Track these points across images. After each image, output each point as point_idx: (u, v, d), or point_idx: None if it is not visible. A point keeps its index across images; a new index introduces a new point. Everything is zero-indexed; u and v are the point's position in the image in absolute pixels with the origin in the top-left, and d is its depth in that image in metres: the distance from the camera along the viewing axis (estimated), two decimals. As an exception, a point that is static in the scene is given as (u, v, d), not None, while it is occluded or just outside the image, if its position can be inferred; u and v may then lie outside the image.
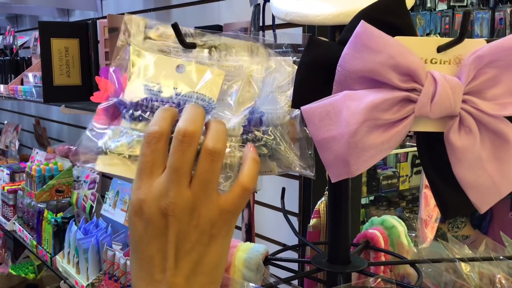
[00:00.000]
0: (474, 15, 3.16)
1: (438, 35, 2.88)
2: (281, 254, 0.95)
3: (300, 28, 1.47)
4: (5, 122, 4.11)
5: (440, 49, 0.54)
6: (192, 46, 0.57)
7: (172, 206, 0.48)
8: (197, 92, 0.55)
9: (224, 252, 0.52)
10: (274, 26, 1.27)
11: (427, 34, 3.10)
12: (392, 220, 1.00)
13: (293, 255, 1.37)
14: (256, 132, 0.57)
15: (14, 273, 3.18)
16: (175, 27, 0.56)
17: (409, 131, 0.57)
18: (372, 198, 3.13)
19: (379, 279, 0.73)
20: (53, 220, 2.18)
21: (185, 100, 0.56)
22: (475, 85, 0.54)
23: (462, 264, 0.79)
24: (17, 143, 3.68)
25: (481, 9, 3.23)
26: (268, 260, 0.90)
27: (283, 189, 1.15)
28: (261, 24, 1.39)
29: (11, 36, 3.06)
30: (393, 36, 0.54)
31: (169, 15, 2.31)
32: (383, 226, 0.99)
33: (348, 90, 0.55)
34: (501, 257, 0.86)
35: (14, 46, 3.05)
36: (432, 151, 0.58)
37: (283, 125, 0.64)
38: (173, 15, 2.28)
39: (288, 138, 0.64)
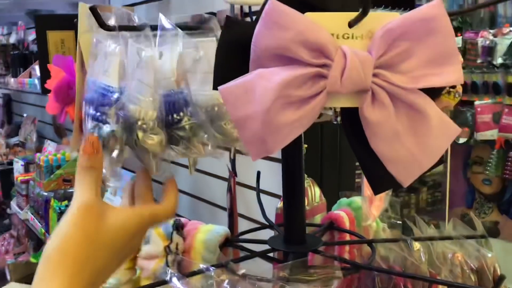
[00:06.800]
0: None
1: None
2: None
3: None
4: (25, 115, 4.21)
5: (350, 24, 0.53)
6: (112, 29, 0.58)
7: None
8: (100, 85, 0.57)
9: None
10: (250, 13, 1.26)
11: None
12: (360, 201, 0.99)
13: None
14: (175, 115, 0.58)
15: (34, 261, 3.27)
16: (94, 10, 0.57)
17: (327, 108, 0.57)
18: (391, 183, 3.10)
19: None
20: (57, 208, 2.24)
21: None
22: (387, 59, 0.53)
23: (414, 242, 0.79)
24: (34, 136, 3.76)
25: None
26: (230, 241, 0.91)
27: (258, 173, 1.16)
28: (242, 11, 1.39)
29: (22, 31, 3.13)
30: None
31: (169, 4, 2.34)
32: (351, 207, 0.99)
33: (262, 68, 0.55)
34: (461, 237, 0.85)
35: (25, 41, 3.12)
36: (356, 127, 0.58)
37: (212, 107, 0.64)
38: (172, 4, 2.32)
39: (218, 120, 0.65)
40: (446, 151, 2.67)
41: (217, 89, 0.59)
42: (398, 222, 1.17)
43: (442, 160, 0.59)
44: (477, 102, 2.69)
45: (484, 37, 2.60)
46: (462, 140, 2.78)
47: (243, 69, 0.57)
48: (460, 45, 2.71)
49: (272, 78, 0.53)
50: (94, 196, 0.54)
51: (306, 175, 1.17)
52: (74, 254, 0.50)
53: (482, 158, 2.89)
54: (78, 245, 0.51)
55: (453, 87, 0.91)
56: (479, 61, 2.64)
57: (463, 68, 2.72)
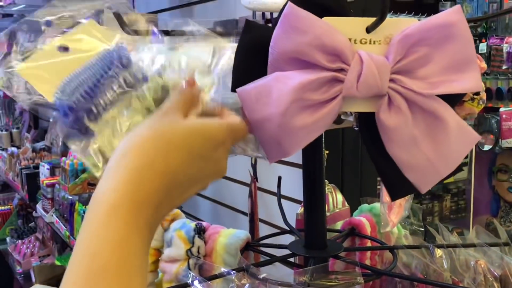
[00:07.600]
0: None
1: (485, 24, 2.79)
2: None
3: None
4: (51, 120, 4.29)
5: (368, 29, 0.54)
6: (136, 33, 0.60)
7: None
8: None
9: None
10: (272, 18, 1.27)
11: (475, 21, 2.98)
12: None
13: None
14: None
15: (59, 263, 3.32)
16: (118, 16, 0.58)
17: (346, 112, 0.57)
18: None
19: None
20: (82, 211, 2.28)
21: None
22: (405, 64, 0.53)
23: (436, 249, 0.78)
24: (60, 140, 3.83)
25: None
26: (251, 245, 0.92)
27: (279, 178, 1.17)
28: (264, 18, 1.41)
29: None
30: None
31: (192, 11, 2.37)
32: (372, 213, 0.98)
33: (279, 72, 0.56)
34: (484, 244, 0.84)
35: (53, 47, 3.18)
36: (373, 132, 0.58)
37: (239, 110, 0.65)
38: (195, 11, 2.34)
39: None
40: (471, 159, 2.63)
41: (235, 91, 0.60)
42: (421, 229, 1.16)
43: (461, 168, 0.58)
44: (502, 109, 2.65)
45: (509, 43, 2.57)
46: (487, 147, 2.74)
47: (261, 72, 0.58)
48: (485, 51, 2.68)
49: (288, 81, 0.54)
50: (175, 107, 0.53)
51: (327, 181, 1.17)
52: (140, 148, 0.49)
53: (507, 165, 2.85)
54: (146, 140, 0.50)
55: (477, 93, 0.90)
56: (504, 67, 2.61)
57: (488, 74, 2.69)
